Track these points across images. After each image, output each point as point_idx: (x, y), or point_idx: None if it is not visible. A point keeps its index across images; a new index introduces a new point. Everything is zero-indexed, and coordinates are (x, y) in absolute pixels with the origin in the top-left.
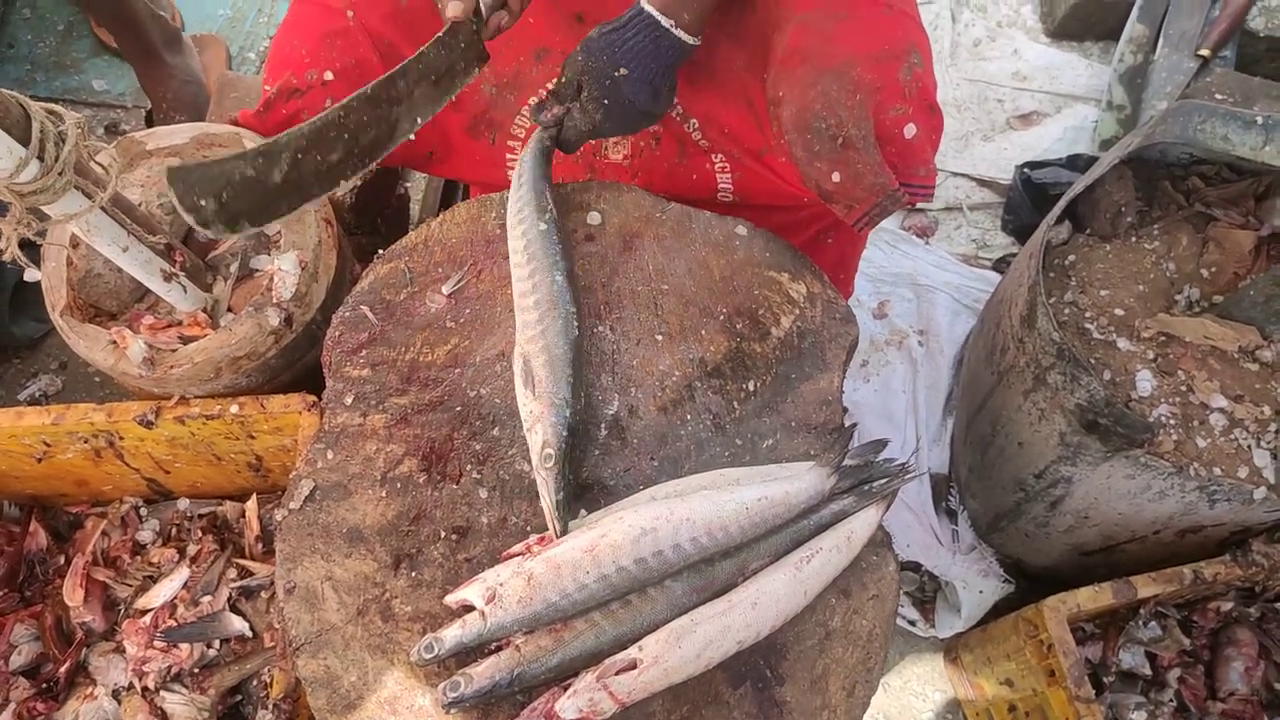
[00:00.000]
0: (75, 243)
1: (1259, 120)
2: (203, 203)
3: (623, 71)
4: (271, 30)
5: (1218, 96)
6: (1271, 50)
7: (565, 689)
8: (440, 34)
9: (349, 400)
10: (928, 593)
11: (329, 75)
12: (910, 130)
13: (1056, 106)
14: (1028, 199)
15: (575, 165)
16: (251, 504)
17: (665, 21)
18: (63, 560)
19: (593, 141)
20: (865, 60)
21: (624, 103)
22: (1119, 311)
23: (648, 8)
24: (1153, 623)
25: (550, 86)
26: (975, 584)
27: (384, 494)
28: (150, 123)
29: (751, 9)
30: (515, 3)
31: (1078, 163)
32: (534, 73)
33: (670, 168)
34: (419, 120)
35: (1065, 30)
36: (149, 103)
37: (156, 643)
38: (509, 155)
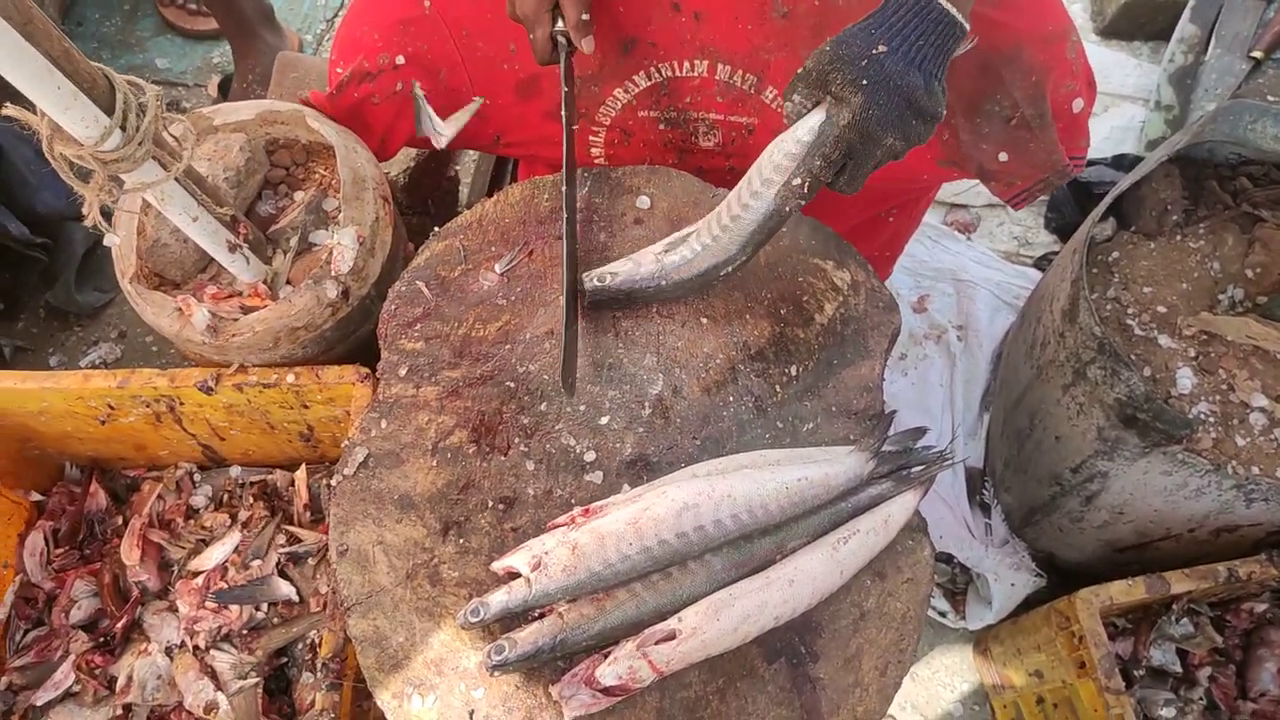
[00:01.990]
0: (145, 211)
1: None
2: None
3: (881, 48)
4: (328, 14)
5: (1269, 98)
6: None
7: (605, 656)
8: (567, 66)
9: (403, 372)
10: (959, 585)
11: (400, 60)
12: (1078, 104)
13: (1104, 106)
14: (1072, 197)
15: (665, 151)
16: (301, 473)
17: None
18: (120, 521)
19: (683, 130)
20: (1034, 41)
21: (888, 85)
22: (1161, 309)
23: None
24: (1185, 619)
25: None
26: (1007, 577)
27: (434, 463)
28: (225, 93)
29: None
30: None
31: (1123, 162)
32: (619, 65)
33: None
34: None
35: (1115, 29)
36: (209, 81)
37: (208, 603)
38: (591, 137)
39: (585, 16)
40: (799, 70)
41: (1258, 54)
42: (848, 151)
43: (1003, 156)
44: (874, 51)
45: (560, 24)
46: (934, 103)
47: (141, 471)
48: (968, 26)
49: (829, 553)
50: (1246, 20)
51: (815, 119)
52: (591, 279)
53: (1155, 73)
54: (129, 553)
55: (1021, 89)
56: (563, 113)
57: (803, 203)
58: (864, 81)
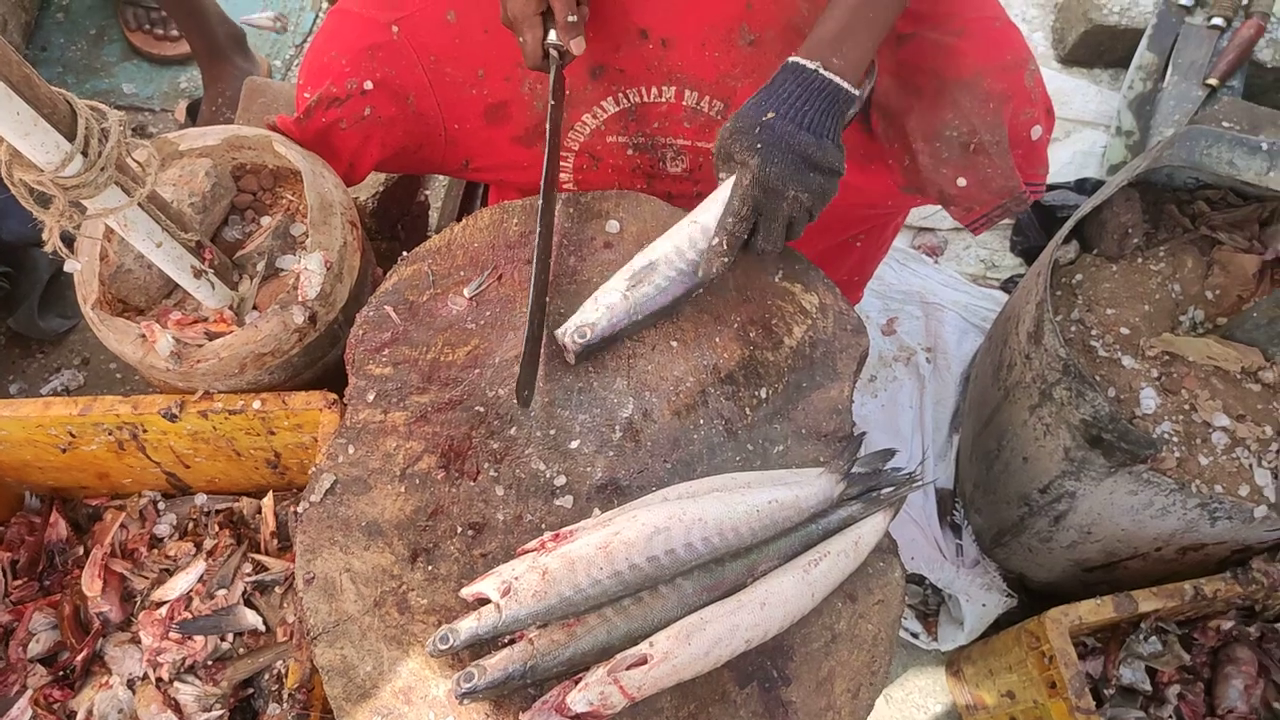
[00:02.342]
0: (108, 237)
1: (1264, 146)
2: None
3: (770, 115)
4: (297, 39)
5: (1225, 124)
6: (1279, 81)
7: (576, 683)
8: (556, 77)
9: (370, 397)
10: (931, 606)
11: (369, 84)
12: (1036, 131)
13: (1066, 131)
14: (1036, 221)
15: (633, 176)
16: (268, 500)
17: (810, 64)
18: (82, 551)
19: (651, 155)
20: (993, 70)
21: (779, 144)
22: (1124, 330)
23: (794, 59)
24: (1153, 638)
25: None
26: (978, 597)
27: (403, 489)
28: (194, 117)
29: None
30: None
31: (1086, 186)
32: (588, 90)
33: None
34: None
35: (1075, 57)
36: (176, 106)
37: (171, 634)
38: (560, 161)
39: (573, 18)
40: (711, 151)
41: (1213, 81)
42: (755, 208)
43: (961, 181)
44: (764, 118)
45: (552, 34)
46: (828, 157)
47: (104, 500)
48: (855, 92)
49: (800, 575)
50: (1201, 49)
51: (725, 186)
52: (570, 336)
53: (1115, 99)
54: (90, 583)
55: (979, 115)
56: (547, 123)
57: (727, 260)
58: (758, 145)
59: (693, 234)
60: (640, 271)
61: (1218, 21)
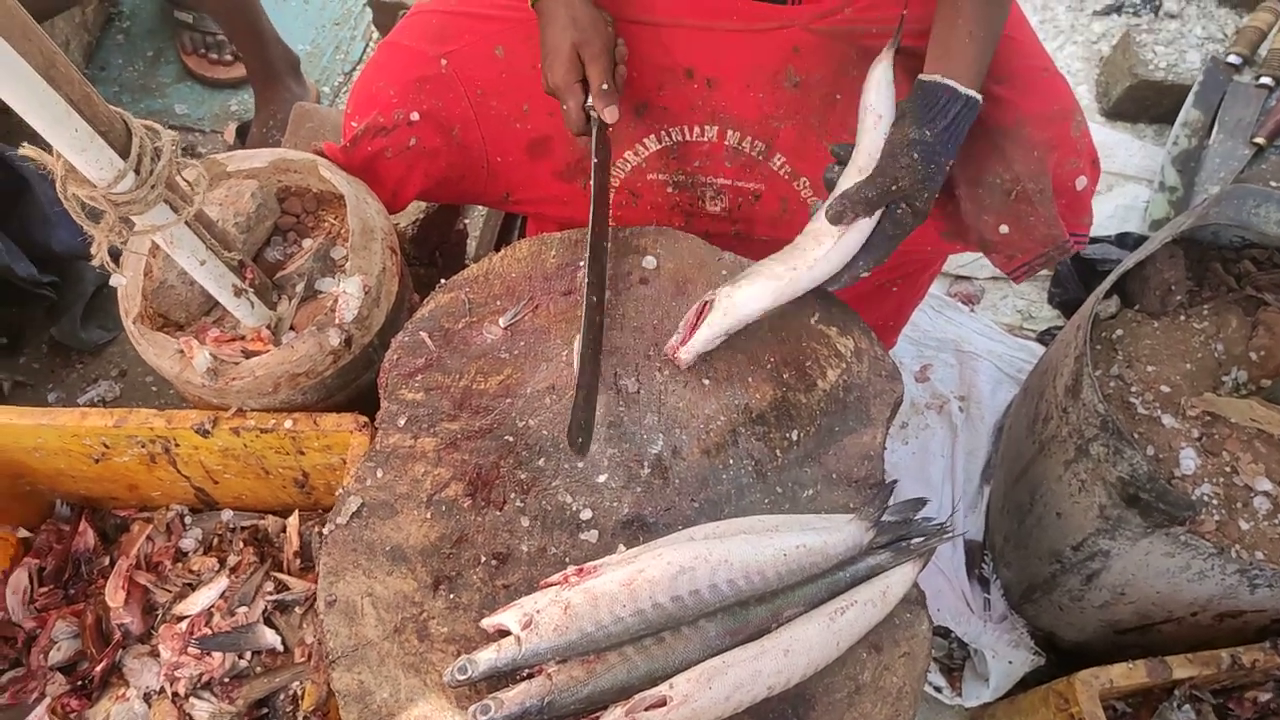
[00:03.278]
0: (153, 253)
1: None
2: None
3: (950, 164)
4: (346, 67)
5: (1272, 183)
6: None
7: None
8: (598, 136)
9: (401, 422)
10: (956, 660)
11: (415, 116)
12: (1081, 182)
13: (1109, 185)
14: (1076, 273)
15: (672, 213)
16: (294, 520)
17: (975, 94)
18: (107, 561)
19: (691, 193)
20: (1038, 119)
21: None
22: (1165, 388)
23: (960, 88)
24: (1186, 706)
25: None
26: (1005, 654)
27: (429, 515)
28: (244, 138)
29: None
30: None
31: (1127, 241)
32: (632, 127)
33: (773, 219)
34: None
35: (1120, 111)
36: (225, 128)
37: (190, 649)
38: None
39: (605, 86)
40: (881, 180)
41: (1260, 140)
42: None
43: (1004, 229)
44: (948, 167)
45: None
46: (942, 171)
47: (132, 512)
48: (967, 94)
49: (826, 623)
50: (1249, 107)
51: (845, 245)
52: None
53: (1159, 154)
54: (114, 594)
55: (1023, 163)
56: (592, 182)
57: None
58: (936, 196)
59: (794, 292)
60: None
61: (1266, 80)
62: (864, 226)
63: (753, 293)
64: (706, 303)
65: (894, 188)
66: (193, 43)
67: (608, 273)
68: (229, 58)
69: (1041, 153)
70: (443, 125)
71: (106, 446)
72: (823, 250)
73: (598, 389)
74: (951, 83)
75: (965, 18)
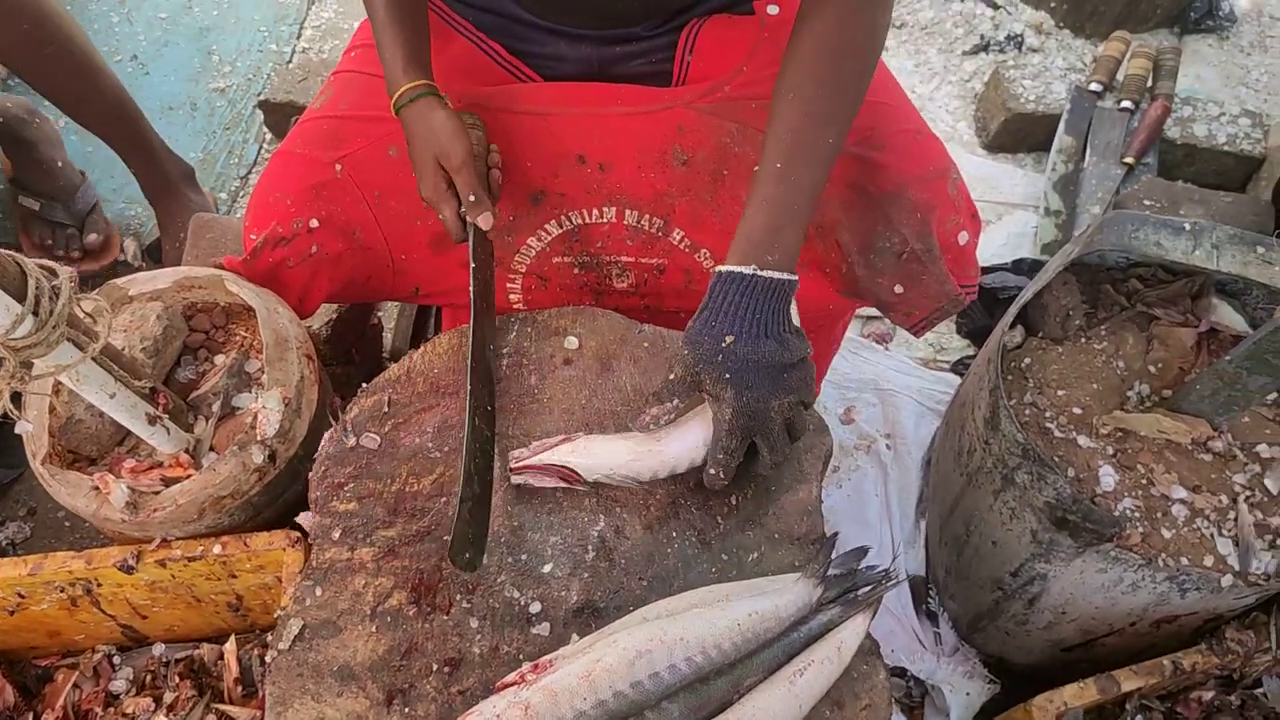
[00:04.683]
0: (55, 390)
1: (1187, 227)
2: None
3: (728, 339)
4: (242, 171)
5: (1146, 203)
6: (1188, 156)
7: None
8: (475, 240)
9: (336, 535)
10: (915, 698)
11: (314, 223)
12: (963, 237)
13: (998, 214)
14: (979, 303)
15: (581, 293)
16: (230, 645)
17: (747, 270)
18: (31, 717)
19: (598, 273)
20: (916, 183)
21: (749, 365)
22: (1077, 410)
23: (726, 269)
24: (1139, 717)
25: (649, 411)
26: (961, 686)
27: (374, 629)
28: (159, 260)
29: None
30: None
31: (1023, 266)
32: (531, 215)
33: (678, 290)
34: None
35: (999, 143)
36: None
37: None
38: (509, 284)
39: (473, 196)
40: (672, 379)
41: (1129, 160)
42: (745, 435)
43: (898, 289)
44: (723, 345)
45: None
46: (793, 351)
47: (55, 659)
48: (794, 278)
49: (786, 688)
50: (1115, 130)
51: (691, 420)
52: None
53: (1040, 180)
54: None
55: (909, 226)
56: (470, 288)
57: (726, 484)
58: (726, 375)
59: (654, 464)
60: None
61: (1127, 104)
62: (691, 423)
63: (609, 446)
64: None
65: (684, 382)
66: (39, 235)
67: (521, 357)
68: (76, 253)
69: (924, 214)
70: (343, 230)
71: (22, 596)
72: (662, 438)
73: (489, 502)
74: (733, 269)
75: (756, 198)
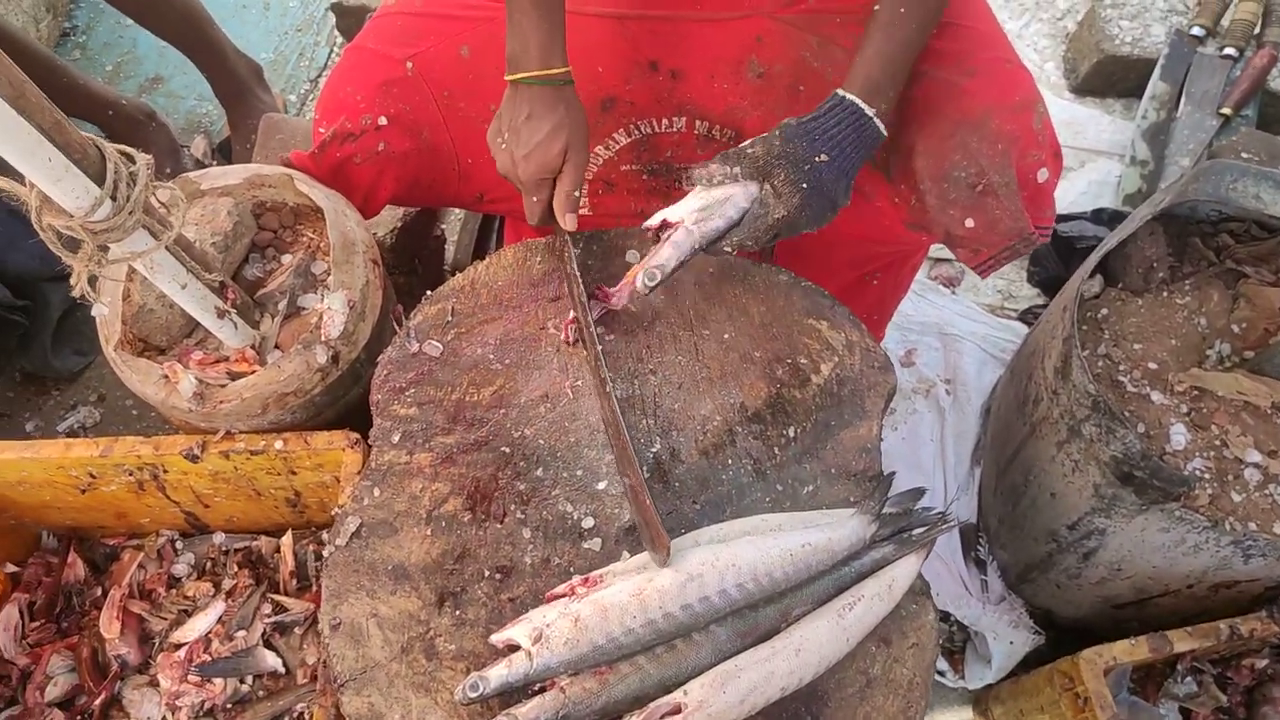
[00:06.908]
0: (130, 277)
1: None
2: None
3: (823, 158)
4: (312, 74)
5: (1244, 155)
6: None
7: None
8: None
9: (396, 438)
10: (957, 643)
11: (383, 120)
12: (1043, 174)
13: (1080, 161)
14: (1054, 252)
15: (649, 197)
16: (287, 540)
17: (869, 110)
18: (99, 592)
19: (666, 179)
20: (1001, 111)
21: (822, 191)
22: (1152, 365)
23: (850, 96)
24: (1189, 678)
25: (714, 163)
26: (1005, 635)
27: (429, 532)
28: (229, 156)
29: (838, 64)
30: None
31: (1102, 216)
32: (601, 123)
33: None
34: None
35: (1088, 86)
36: (193, 141)
37: (190, 677)
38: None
39: (577, 194)
40: (744, 145)
41: (1226, 111)
42: (775, 238)
43: (969, 222)
44: (817, 159)
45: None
46: (846, 200)
47: (121, 540)
48: (886, 135)
49: (834, 620)
50: (1214, 78)
51: (744, 201)
52: (641, 281)
53: (1129, 128)
54: (108, 625)
55: (988, 156)
56: (571, 292)
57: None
58: (804, 185)
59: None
60: (706, 207)
61: (1230, 51)
62: (730, 193)
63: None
64: (663, 222)
65: (758, 162)
66: None
67: (587, 275)
68: None
69: (1005, 145)
70: (411, 129)
71: (93, 476)
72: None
73: (645, 489)
74: (858, 102)
75: (877, 37)
